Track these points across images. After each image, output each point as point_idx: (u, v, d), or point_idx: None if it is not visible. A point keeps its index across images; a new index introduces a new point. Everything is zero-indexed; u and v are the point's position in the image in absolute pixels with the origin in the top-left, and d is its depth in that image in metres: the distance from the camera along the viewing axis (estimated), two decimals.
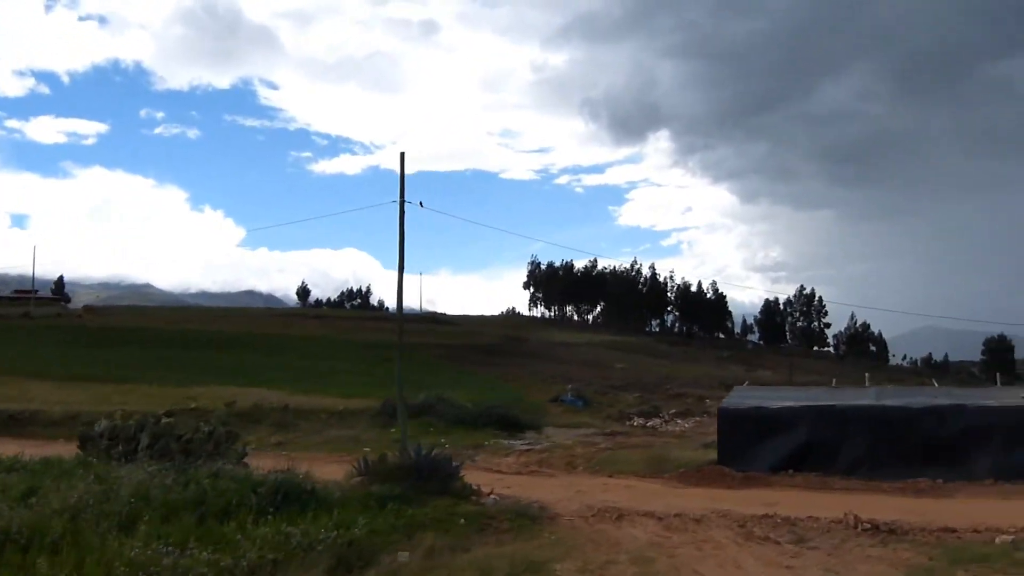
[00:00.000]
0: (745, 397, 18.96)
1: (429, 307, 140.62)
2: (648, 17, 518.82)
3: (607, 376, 63.95)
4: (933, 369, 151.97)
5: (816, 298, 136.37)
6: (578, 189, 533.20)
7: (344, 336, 78.87)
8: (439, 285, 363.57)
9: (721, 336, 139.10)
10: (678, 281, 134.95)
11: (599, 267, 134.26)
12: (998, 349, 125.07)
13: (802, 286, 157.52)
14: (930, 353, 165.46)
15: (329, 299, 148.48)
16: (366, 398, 31.33)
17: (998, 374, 34.71)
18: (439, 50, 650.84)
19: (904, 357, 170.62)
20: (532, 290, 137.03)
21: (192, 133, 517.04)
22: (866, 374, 29.84)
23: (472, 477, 14.66)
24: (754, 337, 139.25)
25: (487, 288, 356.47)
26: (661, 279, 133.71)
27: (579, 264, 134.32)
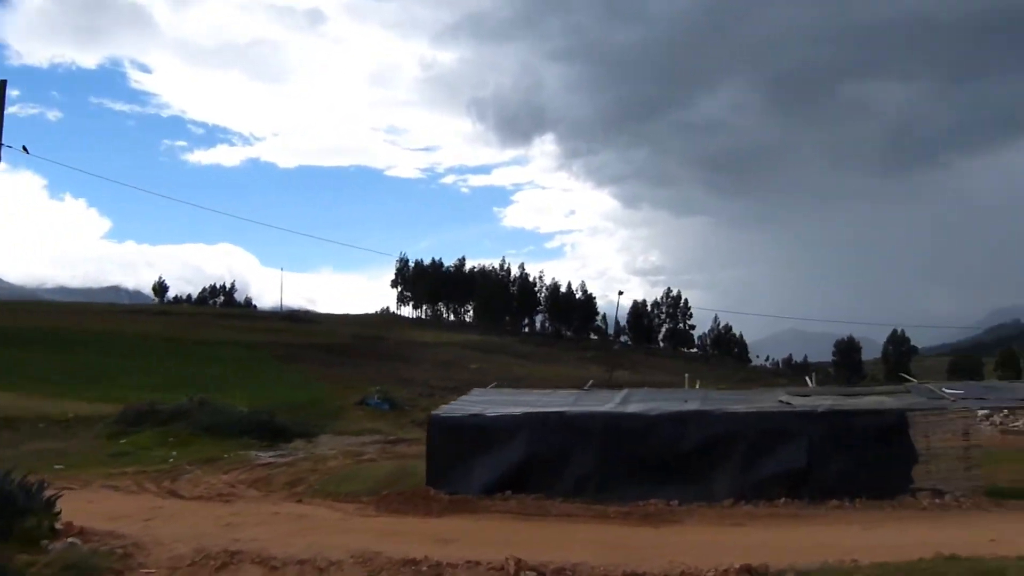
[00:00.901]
0: (472, 402, 16.36)
1: (309, 305, 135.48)
2: (536, 19, 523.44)
3: (454, 377, 61.40)
4: (793, 370, 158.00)
5: (682, 301, 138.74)
6: (464, 189, 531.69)
7: (178, 334, 73.26)
8: (321, 283, 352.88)
9: (594, 337, 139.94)
10: (548, 282, 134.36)
11: (469, 266, 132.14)
12: (847, 350, 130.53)
13: (669, 288, 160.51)
14: (790, 355, 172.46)
15: (189, 296, 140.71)
16: (120, 403, 27.29)
17: (813, 374, 33.66)
18: (325, 41, 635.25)
19: (767, 358, 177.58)
20: (401, 288, 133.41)
21: (53, 115, 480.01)
22: (686, 375, 27.80)
23: (131, 504, 11.61)
24: (626, 339, 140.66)
25: (369, 287, 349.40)
26: (531, 279, 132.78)
27: (449, 262, 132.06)
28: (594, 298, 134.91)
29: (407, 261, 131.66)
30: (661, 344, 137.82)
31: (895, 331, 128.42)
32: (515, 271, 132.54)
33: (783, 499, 13.73)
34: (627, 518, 13.23)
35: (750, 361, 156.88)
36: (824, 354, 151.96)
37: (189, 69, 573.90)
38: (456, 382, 54.83)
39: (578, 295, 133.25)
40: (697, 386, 21.29)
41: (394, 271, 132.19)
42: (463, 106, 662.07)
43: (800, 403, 15.51)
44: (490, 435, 14.42)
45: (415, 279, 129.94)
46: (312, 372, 55.20)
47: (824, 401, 15.66)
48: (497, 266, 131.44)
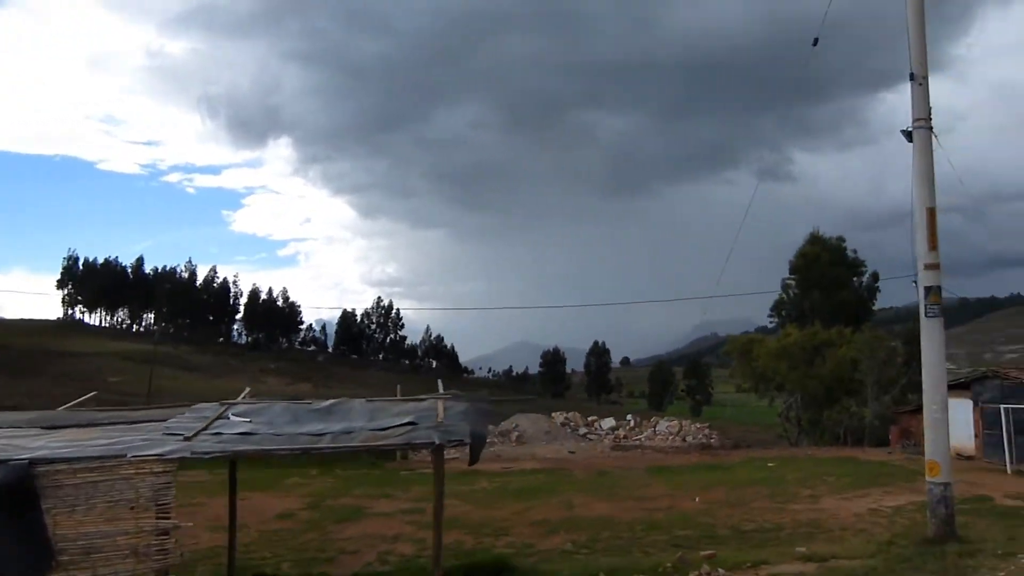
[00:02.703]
0: None
1: None
2: (275, 18, 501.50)
3: (76, 394, 50.64)
4: (514, 380, 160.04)
5: (394, 311, 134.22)
6: (190, 189, 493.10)
7: None
8: (8, 285, 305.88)
9: (300, 347, 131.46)
10: (249, 288, 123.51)
11: (149, 267, 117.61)
12: (552, 361, 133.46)
13: (379, 298, 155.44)
14: (511, 366, 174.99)
15: None
16: None
17: (439, 381, 28.97)
18: (29, 15, 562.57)
19: (489, 370, 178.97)
20: (70, 290, 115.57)
21: None
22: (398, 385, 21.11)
23: None
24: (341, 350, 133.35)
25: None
26: (229, 284, 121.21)
27: (127, 262, 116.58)
28: (299, 307, 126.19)
29: (77, 259, 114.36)
30: (381, 357, 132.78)
31: (596, 343, 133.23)
32: (204, 273, 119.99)
33: None
34: None
35: (466, 372, 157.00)
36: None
37: None
38: (74, 399, 44.85)
39: (279, 303, 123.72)
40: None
41: (60, 270, 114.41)
42: (193, 101, 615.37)
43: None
44: None
45: (84, 279, 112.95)
46: None
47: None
48: (183, 267, 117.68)
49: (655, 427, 37.36)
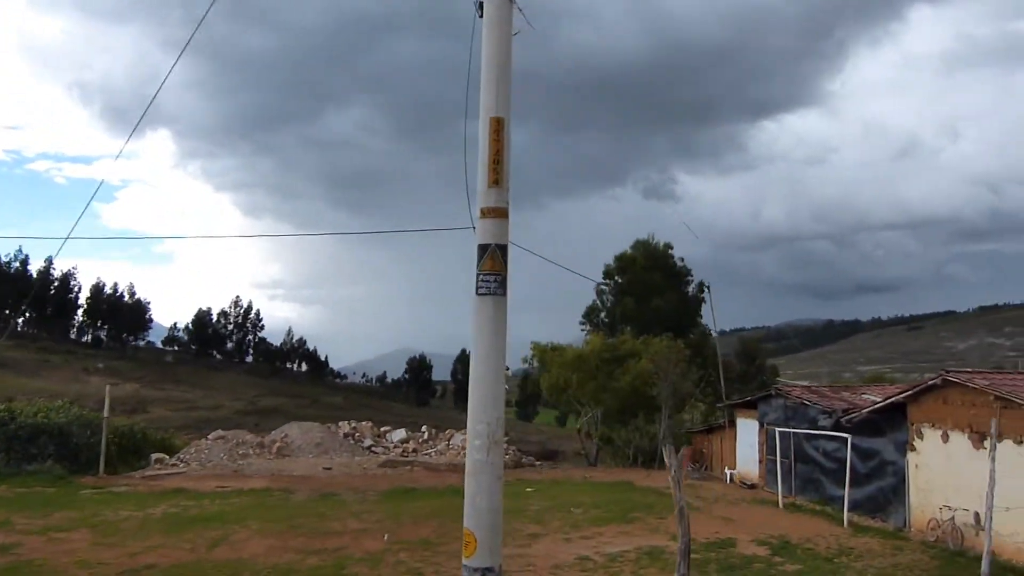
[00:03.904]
0: None
1: None
2: (155, 4, 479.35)
3: None
4: (388, 387, 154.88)
5: (254, 311, 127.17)
6: (59, 179, 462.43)
7: None
8: None
9: (153, 344, 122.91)
10: (92, 280, 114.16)
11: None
12: (418, 368, 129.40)
13: (238, 296, 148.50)
14: (385, 371, 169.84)
15: None
16: None
17: None
18: None
19: (363, 376, 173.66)
20: None
21: None
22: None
23: None
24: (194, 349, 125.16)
25: None
26: (69, 277, 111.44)
27: None
28: (147, 303, 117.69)
29: None
30: (251, 359, 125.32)
31: (463, 350, 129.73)
32: (38, 264, 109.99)
33: None
34: None
35: (338, 376, 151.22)
36: (436, 372, 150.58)
37: None
38: None
39: (125, 298, 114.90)
40: None
41: None
42: (63, 86, 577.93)
43: None
44: None
45: None
46: None
47: None
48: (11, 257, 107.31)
49: (449, 440, 33.97)
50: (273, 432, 32.63)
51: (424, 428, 36.41)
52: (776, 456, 23.02)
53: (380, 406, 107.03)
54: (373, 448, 33.11)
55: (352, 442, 33.36)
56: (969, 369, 17.54)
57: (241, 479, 24.38)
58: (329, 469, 26.95)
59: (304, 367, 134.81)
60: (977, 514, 15.88)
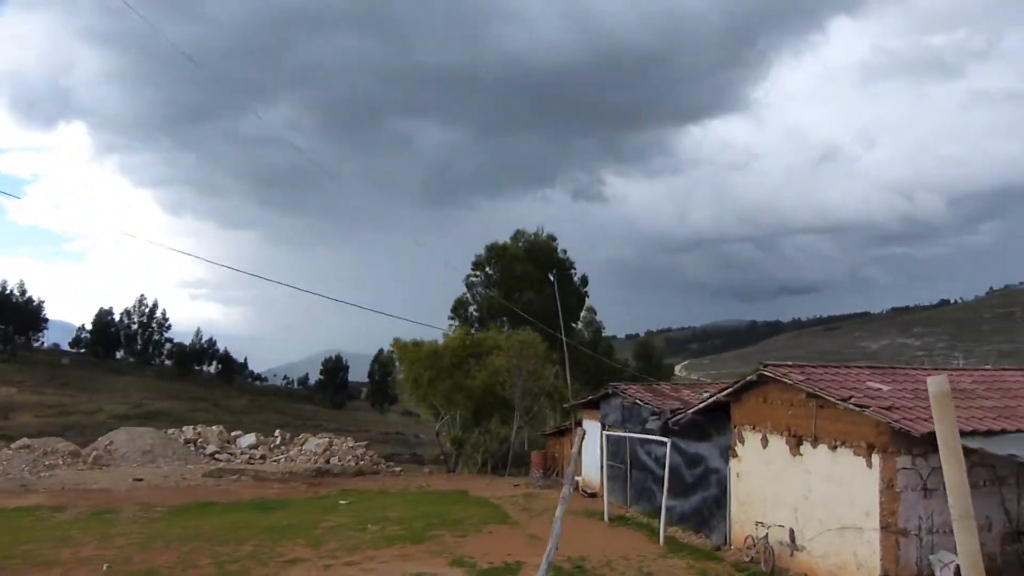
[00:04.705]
0: None
1: None
2: None
3: None
4: (309, 389, 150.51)
5: (160, 311, 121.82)
6: None
7: None
8: None
9: (48, 346, 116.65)
10: None
11: None
12: (334, 369, 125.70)
13: (143, 295, 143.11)
14: (307, 373, 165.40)
15: None
16: None
17: None
18: None
19: (285, 378, 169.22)
20: None
21: None
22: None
23: None
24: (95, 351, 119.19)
25: None
26: None
27: None
28: (40, 303, 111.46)
29: None
30: (157, 361, 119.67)
31: (381, 350, 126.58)
32: None
33: None
34: None
35: (259, 379, 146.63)
36: (361, 375, 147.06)
37: None
38: None
39: (16, 298, 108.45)
40: None
41: None
42: None
43: None
44: None
45: None
46: None
47: None
48: None
49: (302, 445, 31.61)
50: (100, 439, 29.82)
51: (277, 432, 33.94)
52: (609, 462, 21.38)
53: (289, 409, 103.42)
54: (217, 455, 30.59)
55: (194, 449, 30.78)
56: (790, 362, 15.75)
57: (23, 495, 21.67)
58: (140, 480, 24.41)
59: (216, 369, 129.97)
60: (792, 531, 14.32)
